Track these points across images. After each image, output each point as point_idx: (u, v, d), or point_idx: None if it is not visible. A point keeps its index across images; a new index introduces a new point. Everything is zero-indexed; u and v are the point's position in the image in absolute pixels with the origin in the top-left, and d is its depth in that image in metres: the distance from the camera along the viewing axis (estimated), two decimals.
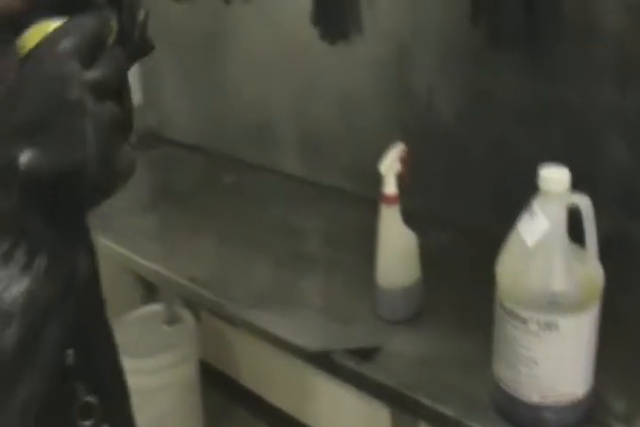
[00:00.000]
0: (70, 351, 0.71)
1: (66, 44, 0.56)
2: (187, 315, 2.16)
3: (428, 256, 1.32)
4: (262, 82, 1.84)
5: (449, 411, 1.06)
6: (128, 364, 0.80)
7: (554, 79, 1.31)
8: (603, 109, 1.27)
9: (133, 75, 2.10)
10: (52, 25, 0.65)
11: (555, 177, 0.93)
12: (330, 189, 1.76)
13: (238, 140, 1.98)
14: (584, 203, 0.93)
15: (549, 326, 0.95)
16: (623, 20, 1.21)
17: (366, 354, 1.19)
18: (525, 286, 0.95)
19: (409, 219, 1.27)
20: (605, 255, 1.30)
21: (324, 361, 1.21)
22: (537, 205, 0.94)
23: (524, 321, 0.96)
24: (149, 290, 2.32)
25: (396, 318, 1.27)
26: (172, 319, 2.17)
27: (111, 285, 0.94)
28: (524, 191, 0.95)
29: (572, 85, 1.29)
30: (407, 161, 1.19)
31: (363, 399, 1.24)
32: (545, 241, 0.93)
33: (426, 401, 1.08)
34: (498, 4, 1.20)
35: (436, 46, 1.45)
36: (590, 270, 0.97)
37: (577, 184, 1.27)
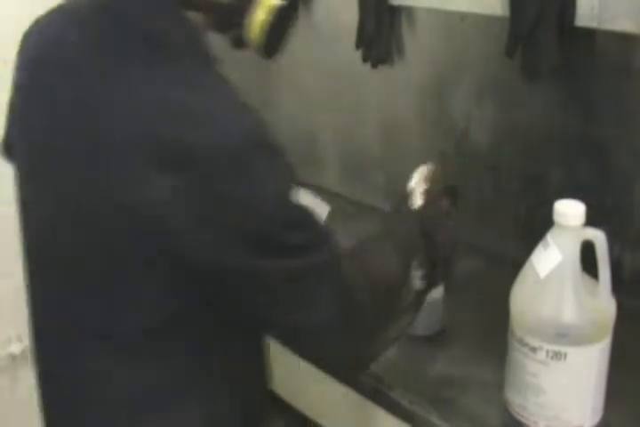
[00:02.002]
0: None
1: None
2: None
3: (456, 280, 1.35)
4: (307, 100, 1.89)
5: None
6: None
7: (587, 116, 1.33)
8: (634, 148, 1.29)
9: None
10: None
11: (569, 211, 0.95)
12: (366, 208, 1.80)
13: None
14: (598, 238, 0.95)
15: (558, 356, 0.97)
16: None
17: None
18: (535, 315, 0.97)
19: None
20: (630, 290, 1.32)
21: (343, 376, 1.25)
22: (551, 237, 0.97)
23: (533, 350, 0.98)
24: None
25: (416, 334, 1.30)
26: None
27: None
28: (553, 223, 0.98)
29: (604, 123, 1.31)
30: (434, 180, 1.21)
31: None
32: (557, 273, 0.96)
33: (436, 420, 1.11)
34: (532, 38, 1.23)
35: (475, 76, 1.48)
36: (602, 305, 0.98)
37: (606, 220, 1.29)
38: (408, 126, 1.66)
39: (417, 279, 1.06)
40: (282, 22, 1.03)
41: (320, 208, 1.22)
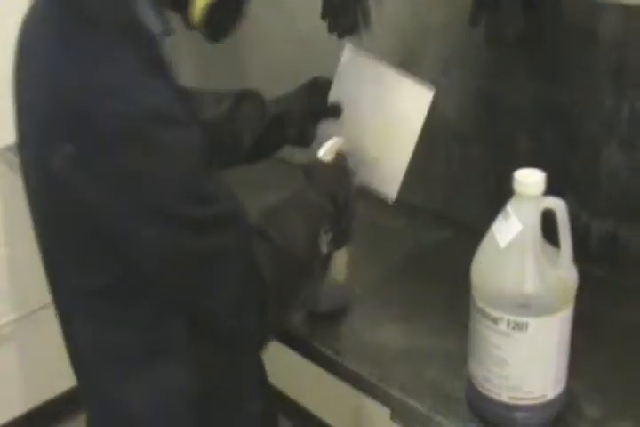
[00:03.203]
0: None
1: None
2: None
3: (423, 252, 1.37)
4: (273, 72, 1.86)
5: (418, 404, 1.08)
6: None
7: (553, 83, 1.31)
8: (599, 114, 1.27)
9: None
10: None
11: (529, 180, 0.93)
12: None
13: None
14: (558, 207, 0.94)
15: (519, 327, 0.96)
16: (624, 28, 1.20)
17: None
18: (496, 286, 0.96)
19: (408, 214, 1.28)
20: (597, 259, 1.31)
21: (305, 350, 1.24)
22: (511, 207, 0.95)
23: (495, 321, 0.97)
24: None
25: (316, 311, 1.27)
26: None
27: None
28: None
29: (570, 90, 1.29)
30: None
31: None
32: (518, 243, 0.94)
33: (396, 393, 1.10)
34: (496, 6, 1.20)
35: (441, 46, 1.46)
36: (564, 274, 0.97)
37: (573, 188, 1.28)
38: None
39: (324, 244, 1.05)
40: (226, 6, 1.01)
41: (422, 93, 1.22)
